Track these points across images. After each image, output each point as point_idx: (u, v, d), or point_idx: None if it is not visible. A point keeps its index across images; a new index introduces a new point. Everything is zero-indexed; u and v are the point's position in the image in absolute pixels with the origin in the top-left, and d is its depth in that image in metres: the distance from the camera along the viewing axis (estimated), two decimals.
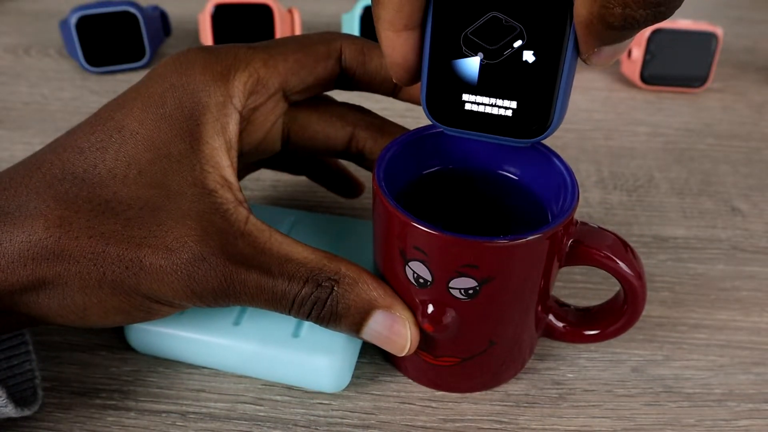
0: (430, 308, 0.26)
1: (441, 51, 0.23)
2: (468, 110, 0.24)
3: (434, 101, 0.24)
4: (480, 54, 0.23)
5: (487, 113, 0.24)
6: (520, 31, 0.22)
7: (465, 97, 0.24)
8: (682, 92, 0.54)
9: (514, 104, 0.23)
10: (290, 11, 0.55)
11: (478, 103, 0.24)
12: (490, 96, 0.23)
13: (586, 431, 0.29)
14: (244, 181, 0.42)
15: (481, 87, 0.23)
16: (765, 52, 0.61)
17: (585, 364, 0.32)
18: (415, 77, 0.24)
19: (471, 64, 0.23)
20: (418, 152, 0.29)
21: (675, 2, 0.18)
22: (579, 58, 0.22)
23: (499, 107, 0.23)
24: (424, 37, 0.23)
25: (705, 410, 0.30)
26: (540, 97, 0.23)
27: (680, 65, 0.53)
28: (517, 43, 0.22)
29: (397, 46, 0.23)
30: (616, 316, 0.29)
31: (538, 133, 0.23)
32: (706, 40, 0.52)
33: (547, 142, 0.47)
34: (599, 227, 0.28)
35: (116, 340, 0.32)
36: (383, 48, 0.24)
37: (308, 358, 0.28)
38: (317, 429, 0.28)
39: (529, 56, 0.22)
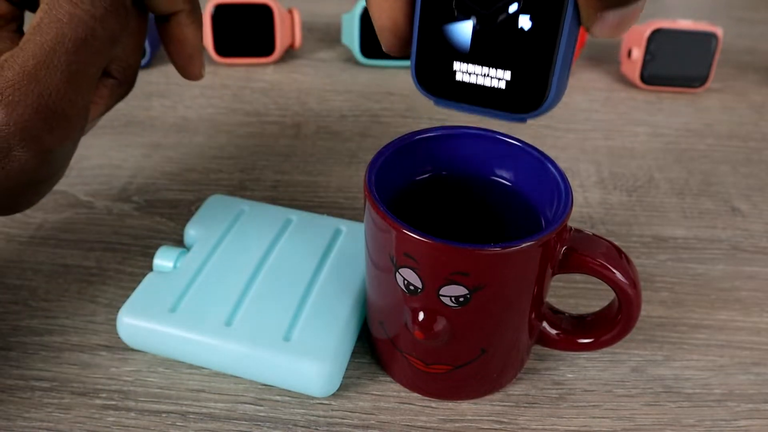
0: (421, 315, 0.26)
1: (432, 15, 0.22)
2: (459, 81, 0.22)
3: (424, 70, 0.23)
4: (473, 18, 0.21)
5: (480, 84, 0.22)
6: None
7: (456, 66, 0.22)
8: (682, 92, 0.54)
9: (508, 75, 0.21)
10: (290, 11, 0.55)
11: (470, 73, 0.22)
12: (482, 65, 0.22)
13: (586, 431, 0.29)
14: (244, 182, 0.42)
15: (473, 55, 0.22)
16: (765, 52, 0.61)
17: (585, 364, 0.32)
18: (405, 44, 0.23)
19: (463, 30, 0.21)
20: (410, 157, 0.29)
21: None
22: (581, 28, 0.20)
23: (492, 78, 0.22)
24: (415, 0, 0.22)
25: (705, 410, 0.30)
26: (536, 68, 0.21)
27: (680, 65, 0.53)
28: (513, 8, 0.20)
29: (385, 8, 0.22)
30: (610, 325, 0.29)
31: (533, 108, 0.21)
32: (706, 40, 0.51)
33: (546, 142, 0.47)
34: (593, 234, 0.27)
35: (116, 340, 0.32)
36: (371, 11, 0.22)
37: (298, 362, 0.28)
38: (317, 429, 0.28)
39: (525, 22, 0.20)
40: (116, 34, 0.26)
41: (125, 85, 0.30)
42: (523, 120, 0.22)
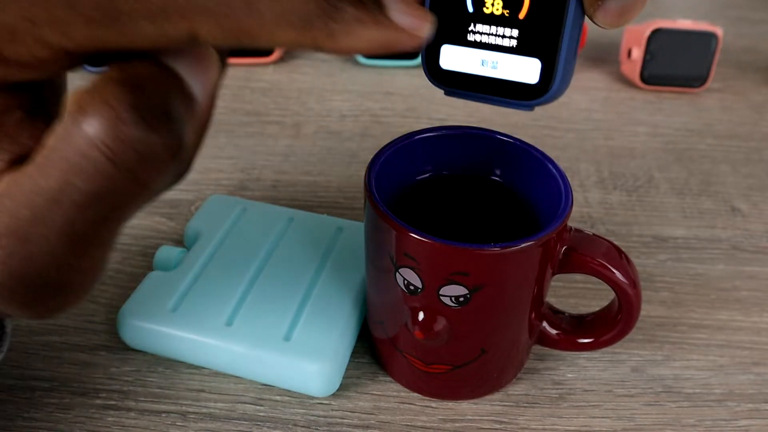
0: (421, 315, 0.26)
1: (441, 6, 0.22)
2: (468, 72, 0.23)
3: (434, 64, 0.23)
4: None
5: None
6: None
7: None
8: (682, 92, 0.54)
9: None
10: None
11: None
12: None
13: (586, 431, 0.29)
14: (244, 182, 0.42)
15: (482, 47, 0.22)
16: (765, 52, 0.61)
17: (585, 364, 0.32)
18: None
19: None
20: (411, 157, 0.29)
21: None
22: (585, 16, 0.21)
23: None
24: None
25: (705, 410, 0.30)
26: (542, 56, 0.22)
27: (680, 65, 0.53)
28: None
29: None
30: (610, 325, 0.29)
31: (540, 94, 0.22)
32: (706, 40, 0.51)
33: (546, 142, 0.47)
34: (593, 234, 0.27)
35: (116, 340, 0.32)
36: None
37: (298, 362, 0.28)
38: (317, 429, 0.28)
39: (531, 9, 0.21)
40: (160, 185, 0.17)
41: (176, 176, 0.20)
42: (530, 108, 0.23)
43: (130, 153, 0.16)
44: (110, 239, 0.18)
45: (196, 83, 0.18)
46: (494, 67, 0.22)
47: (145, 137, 0.16)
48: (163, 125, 0.16)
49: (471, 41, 0.22)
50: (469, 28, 0.22)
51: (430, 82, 0.24)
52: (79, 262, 0.17)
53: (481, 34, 0.22)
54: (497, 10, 0.22)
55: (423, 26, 0.19)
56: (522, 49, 0.22)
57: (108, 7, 0.16)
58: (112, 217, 0.17)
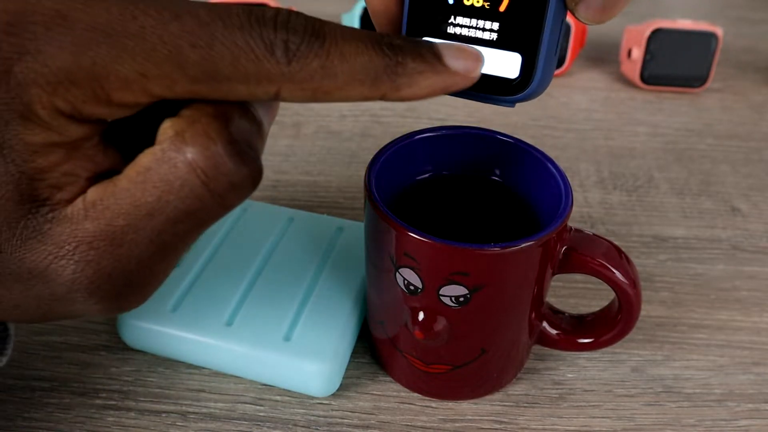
0: (421, 315, 0.26)
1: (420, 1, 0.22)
2: None
3: None
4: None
5: None
6: None
7: None
8: (682, 92, 0.54)
9: None
10: None
11: None
12: None
13: (586, 431, 0.29)
14: None
15: (461, 39, 0.22)
16: (765, 52, 0.61)
17: (585, 364, 0.32)
18: (398, 29, 0.23)
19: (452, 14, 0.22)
20: (410, 157, 0.29)
21: None
22: (568, 12, 0.21)
23: None
24: None
25: (705, 410, 0.30)
26: (523, 51, 0.21)
27: (680, 65, 0.53)
28: None
29: None
30: (610, 325, 0.29)
31: (520, 90, 0.22)
32: (706, 40, 0.51)
33: (546, 142, 0.47)
34: (593, 234, 0.27)
35: (116, 340, 0.32)
36: None
37: (298, 362, 0.28)
38: (317, 429, 0.28)
39: (511, 4, 0.21)
40: (234, 206, 0.20)
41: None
42: (511, 104, 0.23)
43: (223, 181, 0.19)
44: (186, 248, 0.21)
45: (266, 122, 0.21)
46: None
47: (237, 169, 0.19)
48: (251, 159, 0.19)
49: (451, 34, 0.22)
50: (450, 21, 0.22)
51: None
52: (158, 266, 0.20)
53: (461, 26, 0.22)
54: (477, 2, 0.21)
55: (477, 67, 0.20)
56: (502, 43, 0.21)
57: (211, 70, 0.18)
58: (194, 231, 0.20)
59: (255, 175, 0.20)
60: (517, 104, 0.23)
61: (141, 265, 0.20)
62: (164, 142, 0.19)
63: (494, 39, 0.22)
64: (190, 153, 0.18)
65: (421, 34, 0.23)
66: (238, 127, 0.19)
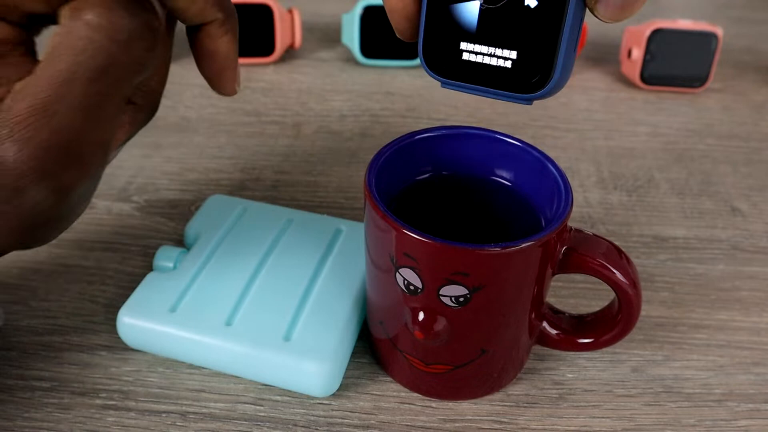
0: (421, 315, 0.26)
1: None
2: (466, 60, 0.22)
3: (431, 51, 0.23)
4: None
5: (486, 64, 0.22)
6: None
7: (463, 45, 0.22)
8: (682, 92, 0.54)
9: (514, 54, 0.22)
10: (290, 11, 0.55)
11: (477, 53, 0.22)
12: (489, 45, 0.22)
13: (586, 431, 0.29)
14: (244, 182, 0.42)
15: (480, 35, 0.22)
16: (765, 52, 0.61)
17: (585, 364, 0.32)
18: (415, 26, 0.23)
19: (470, 10, 0.22)
20: (411, 157, 0.29)
21: None
22: (587, 9, 0.21)
23: (499, 57, 0.22)
24: None
25: (705, 410, 0.30)
26: (542, 47, 0.21)
27: (680, 65, 0.53)
28: None
29: None
30: (610, 325, 0.29)
31: (538, 87, 0.22)
32: (706, 40, 0.51)
33: (546, 142, 0.47)
34: (593, 234, 0.27)
35: (116, 340, 0.32)
36: None
37: (298, 362, 0.28)
38: (317, 429, 0.28)
39: (531, 1, 0.21)
40: (143, 60, 0.23)
41: (147, 112, 0.27)
42: (529, 101, 0.22)
43: (123, 31, 0.21)
44: (114, 115, 0.23)
45: None
46: (493, 59, 0.22)
47: (132, 18, 0.22)
48: (145, 10, 0.22)
49: (470, 33, 0.22)
50: (469, 17, 0.22)
51: (427, 74, 0.23)
52: (92, 135, 0.22)
53: (480, 24, 0.22)
54: (498, 0, 0.21)
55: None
56: (522, 40, 0.21)
57: None
58: (114, 91, 0.22)
59: (153, 23, 0.22)
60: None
61: (75, 133, 0.22)
62: (64, 17, 0.21)
63: (514, 37, 0.21)
64: (87, 15, 0.21)
65: (440, 33, 0.22)
66: None
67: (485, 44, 0.22)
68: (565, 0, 0.20)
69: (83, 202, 0.25)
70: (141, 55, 0.22)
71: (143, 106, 0.27)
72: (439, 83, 0.23)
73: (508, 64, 0.22)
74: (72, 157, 0.22)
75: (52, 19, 0.23)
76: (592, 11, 0.20)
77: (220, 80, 0.28)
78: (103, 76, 0.22)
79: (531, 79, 0.22)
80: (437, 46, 0.23)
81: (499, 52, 0.22)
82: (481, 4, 0.22)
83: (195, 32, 0.27)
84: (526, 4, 0.21)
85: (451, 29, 0.22)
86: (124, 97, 0.23)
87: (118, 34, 0.21)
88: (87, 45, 0.21)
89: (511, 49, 0.22)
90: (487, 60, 0.22)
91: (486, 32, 0.22)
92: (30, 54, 0.23)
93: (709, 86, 0.55)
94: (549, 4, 0.21)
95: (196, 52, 0.27)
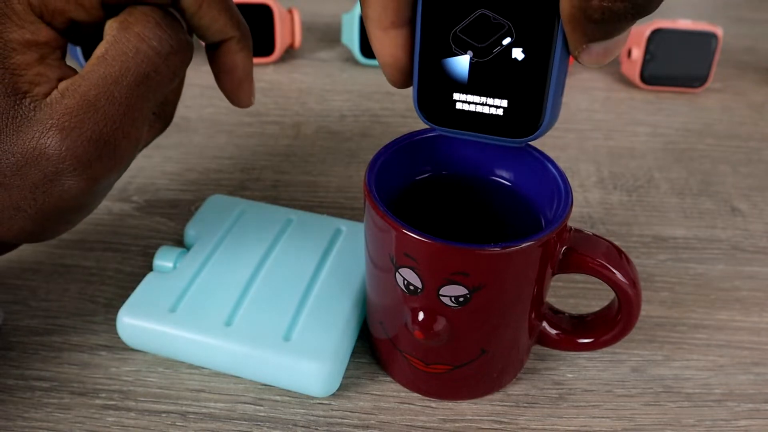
0: (421, 315, 0.26)
1: (431, 49, 0.23)
2: (459, 109, 0.24)
3: (426, 101, 0.24)
4: (469, 52, 0.23)
5: (479, 112, 0.24)
6: (508, 29, 0.22)
7: (456, 96, 0.24)
8: (682, 92, 0.54)
9: (504, 103, 0.23)
10: (290, 11, 0.55)
11: (470, 102, 0.24)
12: (480, 95, 0.23)
13: (586, 431, 0.29)
14: (244, 182, 0.42)
15: (471, 86, 0.23)
16: (765, 52, 0.61)
17: (585, 364, 0.32)
18: (408, 78, 0.24)
19: (461, 63, 0.23)
20: (410, 157, 0.29)
21: None
22: (572, 57, 0.22)
23: (490, 106, 0.23)
24: (414, 35, 0.23)
25: (705, 410, 0.30)
26: (531, 96, 0.22)
27: (680, 65, 0.53)
28: (506, 41, 0.22)
29: (385, 44, 0.23)
30: (610, 325, 0.29)
31: (529, 133, 0.23)
32: (706, 40, 0.51)
33: (546, 142, 0.47)
34: (593, 234, 0.27)
35: (116, 340, 0.32)
36: (374, 49, 0.24)
37: (298, 362, 0.28)
38: (317, 429, 0.28)
39: (518, 54, 0.22)
40: (178, 72, 0.26)
41: (164, 121, 0.30)
42: (520, 145, 0.24)
43: (166, 45, 0.25)
44: (147, 117, 0.25)
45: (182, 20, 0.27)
46: (485, 107, 0.23)
47: (174, 34, 0.25)
48: (182, 29, 0.26)
49: (462, 84, 0.23)
50: (460, 70, 0.23)
51: (422, 121, 0.25)
52: (127, 132, 0.25)
53: (471, 75, 0.23)
54: (488, 52, 0.23)
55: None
56: (512, 90, 0.23)
57: None
58: (152, 96, 0.25)
59: (188, 41, 0.26)
60: None
61: (115, 127, 0.24)
62: (113, 29, 0.24)
63: (504, 87, 0.23)
64: (137, 28, 0.24)
65: (433, 84, 0.24)
66: (165, 10, 0.25)
67: (477, 94, 0.23)
68: (550, 52, 0.21)
69: (100, 197, 0.26)
70: (177, 67, 0.26)
71: (161, 115, 0.30)
72: (436, 133, 0.25)
73: (500, 111, 0.23)
74: (108, 149, 0.24)
75: (84, 33, 0.26)
76: (576, 59, 0.21)
77: (238, 93, 0.30)
78: (145, 81, 0.24)
79: (522, 124, 0.23)
80: (431, 97, 0.24)
81: (490, 101, 0.23)
82: (471, 58, 0.23)
83: (215, 49, 0.29)
84: (513, 57, 0.22)
85: (444, 81, 0.24)
86: (157, 102, 0.26)
87: (161, 47, 0.25)
88: (136, 53, 0.24)
89: (501, 98, 0.23)
90: (479, 109, 0.24)
91: (477, 83, 0.23)
92: (63, 59, 0.25)
93: (709, 86, 0.55)
94: (535, 56, 0.22)
95: (217, 68, 0.29)
